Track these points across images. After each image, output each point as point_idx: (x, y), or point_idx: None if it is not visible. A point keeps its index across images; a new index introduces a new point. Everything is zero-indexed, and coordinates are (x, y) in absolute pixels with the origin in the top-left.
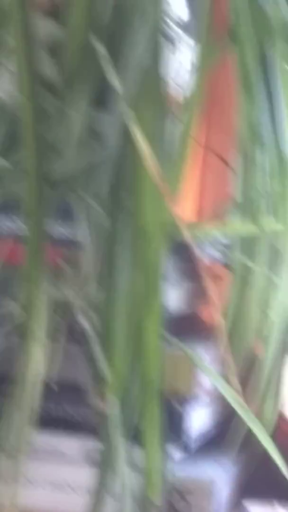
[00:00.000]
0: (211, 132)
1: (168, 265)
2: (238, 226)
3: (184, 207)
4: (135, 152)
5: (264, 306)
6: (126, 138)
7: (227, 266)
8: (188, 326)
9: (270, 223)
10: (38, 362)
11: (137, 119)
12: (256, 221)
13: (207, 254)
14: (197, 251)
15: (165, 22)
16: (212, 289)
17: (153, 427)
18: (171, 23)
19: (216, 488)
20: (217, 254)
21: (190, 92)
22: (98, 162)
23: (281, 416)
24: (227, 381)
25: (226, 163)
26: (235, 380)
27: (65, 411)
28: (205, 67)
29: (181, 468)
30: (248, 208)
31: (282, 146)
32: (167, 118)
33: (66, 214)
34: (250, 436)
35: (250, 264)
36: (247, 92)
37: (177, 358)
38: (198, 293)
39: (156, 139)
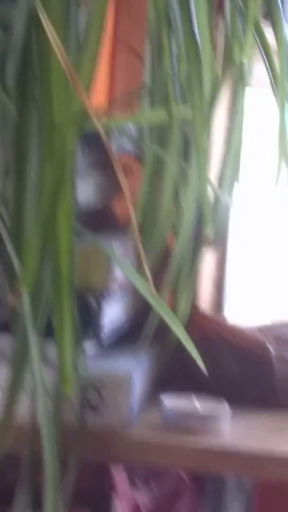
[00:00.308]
0: (120, 20)
1: (79, 158)
2: (149, 114)
3: (95, 97)
4: (43, 40)
5: (176, 198)
6: (34, 26)
7: (139, 158)
8: (101, 220)
9: (180, 110)
10: None
11: (45, 6)
12: (167, 108)
13: (119, 147)
14: (108, 143)
15: None
16: (124, 181)
17: (66, 321)
18: None
19: (132, 382)
20: (129, 147)
21: None
22: (4, 51)
23: (196, 309)
24: (141, 274)
25: (135, 51)
26: (147, 273)
27: None
28: None
29: (96, 363)
30: (158, 95)
31: (192, 29)
32: (76, 6)
33: None
34: (165, 330)
35: (161, 154)
36: None
37: (91, 253)
38: (111, 187)
39: (65, 27)
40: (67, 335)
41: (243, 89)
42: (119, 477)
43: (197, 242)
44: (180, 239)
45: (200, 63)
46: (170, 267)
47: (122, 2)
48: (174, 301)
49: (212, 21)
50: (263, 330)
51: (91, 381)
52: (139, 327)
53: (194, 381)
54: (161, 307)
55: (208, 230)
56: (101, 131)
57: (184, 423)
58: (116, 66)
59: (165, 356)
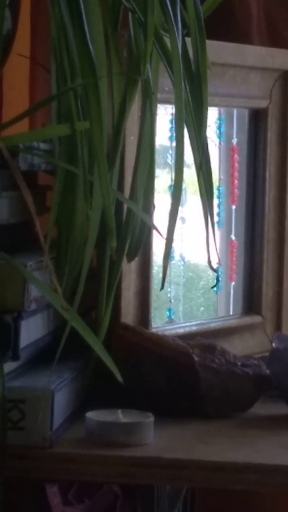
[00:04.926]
0: (37, 44)
1: None
2: (52, 129)
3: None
4: None
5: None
6: None
7: (51, 173)
8: (20, 237)
9: (82, 124)
10: None
11: None
12: (70, 122)
13: (32, 165)
14: (11, 161)
15: None
16: (29, 198)
17: None
18: None
19: (52, 396)
20: (40, 162)
21: None
22: None
23: (118, 322)
24: (56, 290)
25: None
26: (58, 288)
27: None
28: None
29: (16, 379)
30: (64, 110)
31: (87, 46)
32: None
33: None
34: (86, 344)
35: (70, 169)
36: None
37: (5, 271)
38: (23, 203)
39: None
40: None
41: (151, 101)
42: (53, 496)
43: (118, 256)
44: (87, 251)
45: (95, 76)
46: (92, 281)
47: (38, 23)
48: (95, 315)
49: (116, 35)
50: (186, 338)
51: (11, 398)
52: (59, 339)
53: (121, 394)
54: (75, 321)
55: (113, 242)
56: (3, 149)
57: (108, 435)
58: (37, 87)
59: (89, 370)
